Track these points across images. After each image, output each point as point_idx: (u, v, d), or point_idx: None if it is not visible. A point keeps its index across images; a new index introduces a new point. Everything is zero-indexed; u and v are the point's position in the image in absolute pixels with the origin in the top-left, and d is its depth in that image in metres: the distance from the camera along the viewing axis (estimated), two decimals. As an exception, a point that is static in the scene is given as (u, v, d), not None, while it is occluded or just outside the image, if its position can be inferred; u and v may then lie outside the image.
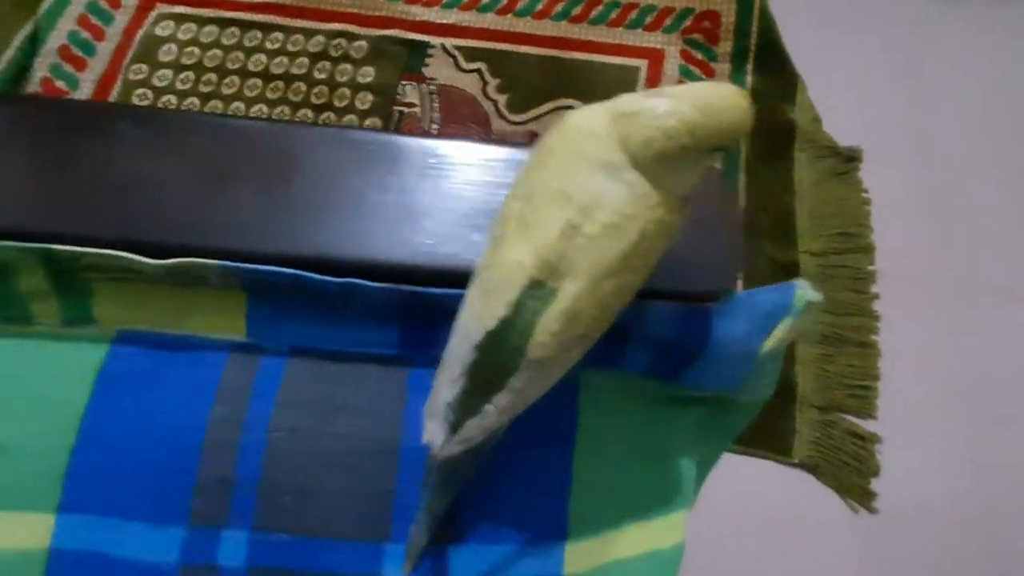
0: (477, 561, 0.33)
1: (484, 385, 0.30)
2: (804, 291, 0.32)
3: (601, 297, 0.28)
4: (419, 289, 0.34)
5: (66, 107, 0.42)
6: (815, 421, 0.72)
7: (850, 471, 0.70)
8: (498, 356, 0.29)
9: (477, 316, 0.30)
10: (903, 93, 0.89)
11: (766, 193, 0.82)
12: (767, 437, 0.71)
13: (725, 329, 0.34)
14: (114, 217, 0.35)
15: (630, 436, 0.36)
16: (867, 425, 0.72)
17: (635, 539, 0.35)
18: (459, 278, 0.34)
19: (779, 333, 0.32)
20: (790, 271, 0.79)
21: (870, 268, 0.79)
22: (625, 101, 0.30)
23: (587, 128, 0.28)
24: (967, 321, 0.78)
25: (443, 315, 0.34)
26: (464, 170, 0.37)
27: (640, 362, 0.36)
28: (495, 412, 0.30)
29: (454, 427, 0.31)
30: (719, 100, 0.28)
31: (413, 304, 0.35)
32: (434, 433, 0.32)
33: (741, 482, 0.69)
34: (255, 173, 0.36)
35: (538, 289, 0.28)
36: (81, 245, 0.34)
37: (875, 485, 0.70)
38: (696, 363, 0.35)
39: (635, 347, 0.35)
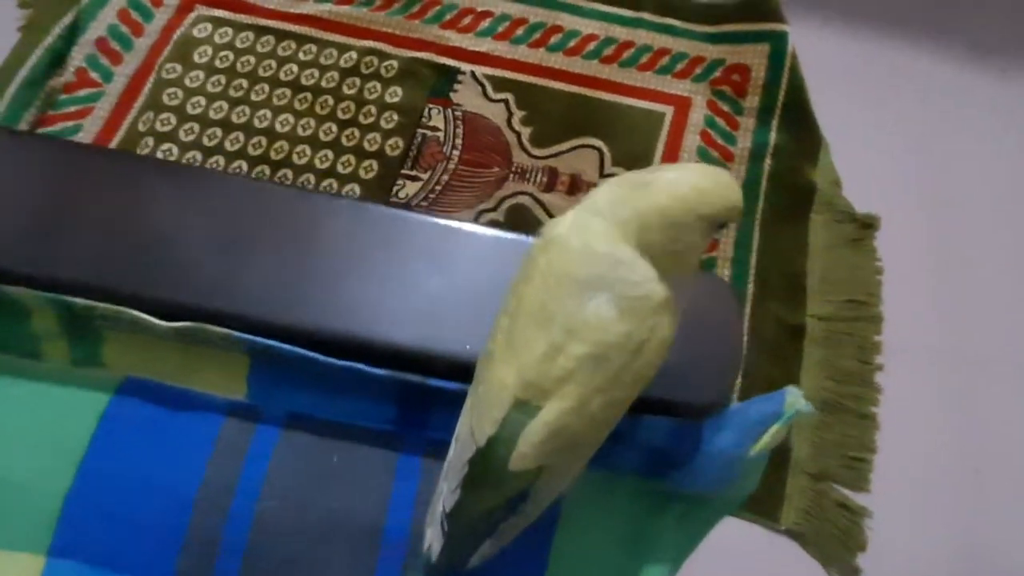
0: None
1: (477, 496, 0.30)
2: (795, 399, 0.31)
3: (590, 412, 0.28)
4: (416, 379, 0.35)
5: (94, 153, 0.43)
6: (806, 488, 0.71)
7: (837, 543, 0.69)
8: (488, 470, 0.30)
9: (471, 433, 0.30)
10: (927, 166, 0.89)
11: (779, 252, 0.82)
12: (756, 500, 0.70)
13: (716, 441, 0.34)
14: (131, 272, 0.36)
15: (610, 526, 0.36)
16: (858, 498, 0.71)
17: None
18: (457, 366, 0.34)
19: (766, 439, 0.32)
20: (796, 333, 0.79)
21: (876, 339, 0.78)
22: (624, 180, 0.30)
23: (574, 239, 0.28)
24: (971, 402, 0.77)
25: (438, 401, 0.35)
26: (477, 258, 0.37)
27: (629, 462, 0.36)
28: (509, 531, 0.31)
29: (450, 536, 0.31)
30: (720, 176, 0.30)
31: (411, 390, 0.35)
32: (432, 540, 0.32)
33: (725, 542, 0.68)
34: (274, 240, 0.37)
35: (522, 408, 0.28)
36: (96, 295, 0.35)
37: (861, 560, 0.69)
38: (683, 467, 0.35)
39: (625, 450, 0.35)
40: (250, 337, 0.34)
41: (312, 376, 0.35)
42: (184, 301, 0.35)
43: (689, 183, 0.29)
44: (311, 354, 0.34)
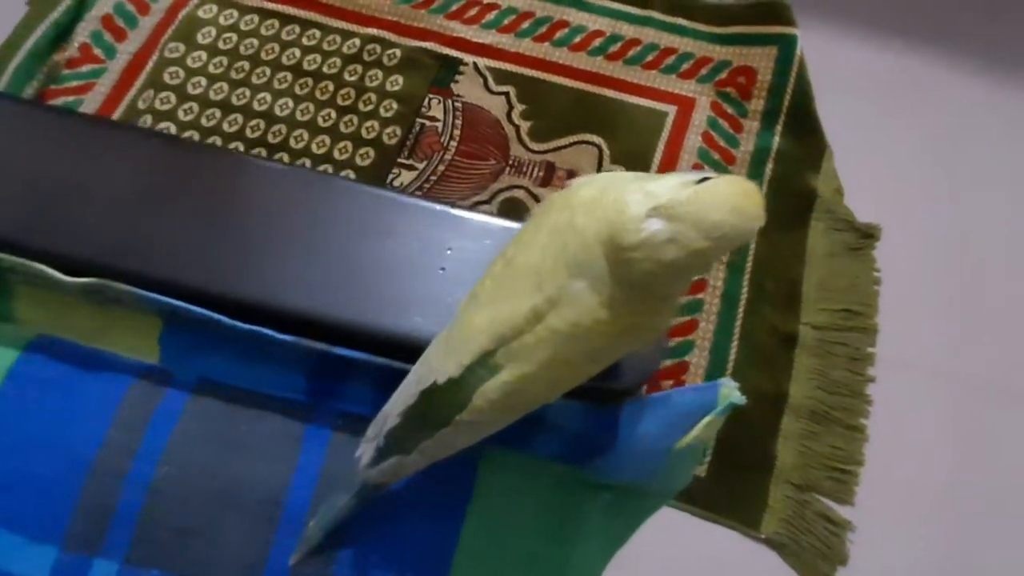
0: None
1: (416, 427, 0.30)
2: (729, 391, 0.30)
3: (552, 380, 0.27)
4: (321, 346, 0.34)
5: (17, 105, 0.42)
6: (789, 498, 0.70)
7: (817, 556, 0.68)
8: (436, 408, 0.29)
9: (431, 369, 0.29)
10: (932, 178, 0.87)
11: (776, 258, 0.81)
12: (737, 507, 0.69)
13: (636, 428, 0.33)
14: (41, 227, 0.36)
15: (527, 515, 0.36)
16: (842, 511, 0.70)
17: None
18: (375, 339, 0.34)
19: (696, 431, 0.31)
20: (788, 341, 0.77)
21: (870, 350, 0.77)
22: (621, 224, 0.26)
23: (582, 230, 0.26)
24: (963, 420, 0.75)
25: (350, 373, 0.34)
26: (403, 229, 0.36)
27: (550, 447, 0.35)
28: (419, 456, 0.30)
29: (381, 452, 0.31)
30: (728, 215, 0.25)
31: (321, 359, 0.35)
32: (365, 452, 0.32)
33: (701, 549, 0.67)
34: (193, 199, 0.36)
35: (489, 358, 0.27)
36: (7, 249, 0.34)
37: (841, 574, 0.67)
38: (605, 455, 0.34)
39: (545, 433, 0.35)
40: (158, 296, 0.34)
41: (222, 341, 0.35)
42: (93, 258, 0.35)
43: (688, 244, 0.24)
44: (216, 316, 0.34)
